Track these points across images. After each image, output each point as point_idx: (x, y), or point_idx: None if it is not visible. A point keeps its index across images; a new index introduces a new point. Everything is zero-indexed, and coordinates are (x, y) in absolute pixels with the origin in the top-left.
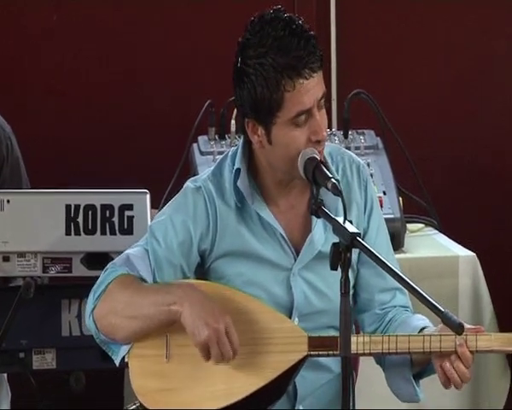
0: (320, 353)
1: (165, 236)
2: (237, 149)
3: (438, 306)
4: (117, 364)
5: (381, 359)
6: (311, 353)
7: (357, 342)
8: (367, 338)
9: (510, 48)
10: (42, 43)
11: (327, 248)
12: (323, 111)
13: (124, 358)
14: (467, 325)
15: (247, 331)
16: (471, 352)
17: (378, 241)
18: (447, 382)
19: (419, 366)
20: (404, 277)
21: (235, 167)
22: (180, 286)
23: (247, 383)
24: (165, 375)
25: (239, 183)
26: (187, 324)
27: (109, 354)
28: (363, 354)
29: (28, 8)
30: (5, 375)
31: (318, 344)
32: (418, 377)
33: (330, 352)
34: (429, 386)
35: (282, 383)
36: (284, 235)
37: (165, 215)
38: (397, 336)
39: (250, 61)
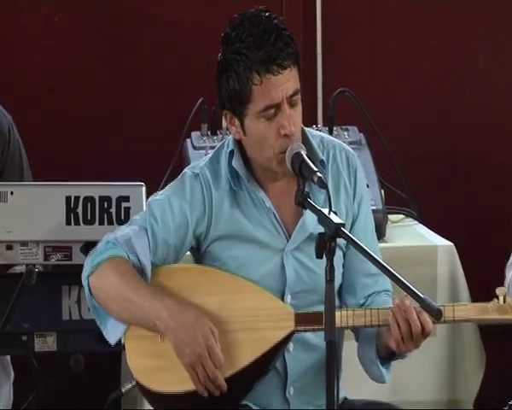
0: (306, 328)
1: (162, 216)
2: (230, 137)
3: (417, 292)
4: (111, 343)
5: (354, 334)
6: (298, 328)
7: (341, 316)
8: (350, 312)
9: (489, 48)
10: (43, 43)
11: (317, 230)
12: (298, 108)
13: (120, 340)
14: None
15: (238, 310)
16: (450, 321)
17: (366, 227)
18: (400, 340)
19: (387, 349)
20: (385, 264)
21: (228, 149)
22: (166, 305)
23: (236, 359)
24: (160, 354)
25: (234, 163)
26: (171, 345)
27: (98, 322)
28: (347, 328)
29: (29, 8)
30: (8, 357)
31: (304, 320)
32: (388, 359)
33: (315, 327)
34: (410, 375)
35: (271, 358)
36: (277, 215)
37: (163, 196)
38: (378, 309)
39: (228, 55)
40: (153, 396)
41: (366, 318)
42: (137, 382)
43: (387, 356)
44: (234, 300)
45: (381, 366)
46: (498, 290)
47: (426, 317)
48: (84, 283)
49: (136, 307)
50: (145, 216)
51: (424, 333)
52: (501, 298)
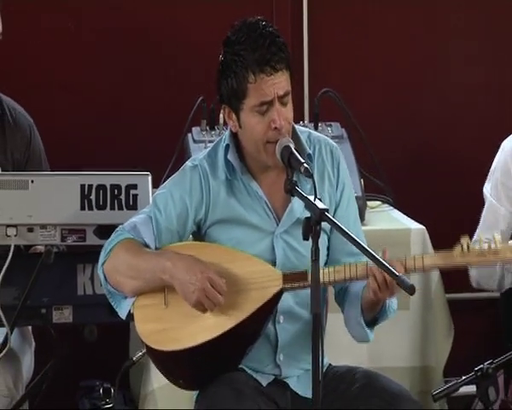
0: (293, 285)
1: (165, 207)
2: (227, 132)
3: (392, 270)
4: (123, 317)
5: (340, 304)
6: (286, 286)
7: (323, 273)
8: (331, 269)
9: (460, 52)
10: (59, 47)
11: (304, 216)
12: (288, 107)
13: (130, 313)
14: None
15: (235, 275)
16: (420, 269)
17: (348, 212)
18: (377, 289)
19: (371, 311)
20: (364, 245)
21: (224, 144)
22: (169, 258)
23: (233, 316)
24: (164, 318)
25: (229, 156)
26: (178, 291)
27: (113, 304)
28: (330, 283)
29: (45, 15)
30: (30, 327)
31: (290, 279)
32: (372, 323)
33: (301, 284)
34: (386, 344)
35: (264, 315)
36: (268, 203)
37: (166, 189)
38: (356, 264)
39: (228, 56)
40: (158, 357)
41: (346, 272)
42: (145, 344)
43: (371, 321)
44: (230, 267)
45: (365, 327)
46: (462, 239)
47: (397, 264)
48: (99, 271)
49: (144, 271)
50: (150, 208)
51: (414, 291)
52: (465, 246)
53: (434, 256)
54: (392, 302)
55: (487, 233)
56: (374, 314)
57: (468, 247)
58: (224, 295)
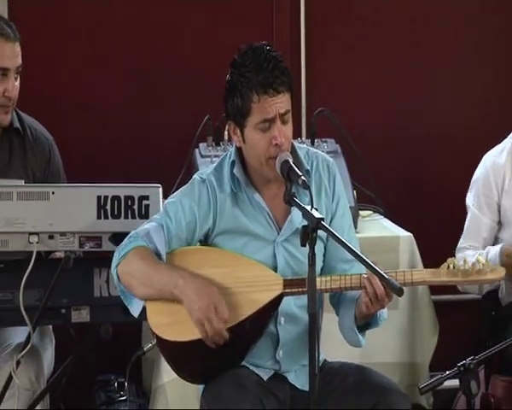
0: (292, 290)
1: (176, 215)
2: (233, 149)
3: (383, 274)
4: (135, 315)
5: (337, 308)
6: (286, 291)
7: (320, 281)
8: (328, 278)
9: (447, 77)
10: (79, 69)
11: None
12: (288, 125)
13: (141, 312)
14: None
15: (239, 278)
16: (409, 284)
17: (343, 222)
18: (368, 303)
19: (363, 319)
20: (357, 251)
21: (231, 160)
22: (183, 276)
23: (237, 314)
24: (173, 312)
25: (235, 171)
26: (186, 307)
27: (125, 303)
28: (326, 291)
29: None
30: (50, 326)
31: (290, 284)
32: (364, 328)
33: (299, 290)
34: (377, 341)
35: (265, 316)
36: (270, 214)
37: (176, 198)
38: (351, 275)
39: (234, 77)
40: (167, 348)
41: (341, 282)
42: (155, 335)
43: (363, 326)
44: (235, 271)
45: (358, 333)
46: (449, 260)
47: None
48: (113, 272)
49: (157, 282)
50: (162, 215)
51: (387, 294)
52: (451, 265)
53: (423, 272)
54: (383, 312)
55: (471, 241)
56: (366, 321)
57: (453, 266)
58: (225, 323)
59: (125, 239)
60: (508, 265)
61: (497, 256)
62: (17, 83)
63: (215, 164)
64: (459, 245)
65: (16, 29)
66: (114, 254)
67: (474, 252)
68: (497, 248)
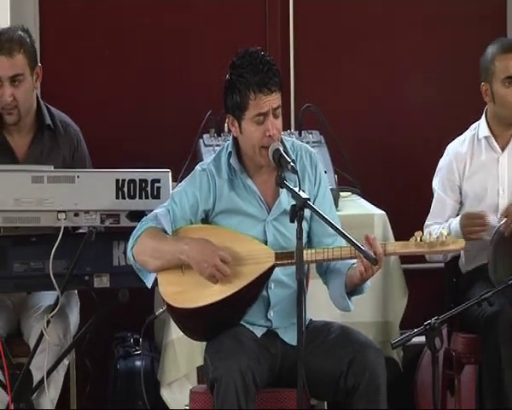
0: (283, 262)
1: (180, 201)
2: (230, 141)
3: (360, 246)
4: (149, 287)
5: (325, 277)
6: (277, 263)
7: (306, 254)
8: (313, 251)
9: (416, 75)
10: (97, 70)
11: (289, 207)
12: (279, 119)
13: (155, 281)
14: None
15: (234, 251)
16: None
17: (324, 202)
18: (363, 271)
19: (351, 287)
20: (337, 226)
21: (228, 151)
22: (186, 243)
23: (235, 283)
24: (182, 283)
25: (232, 161)
26: (195, 268)
27: (141, 277)
28: (311, 262)
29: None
30: (76, 291)
31: (281, 257)
32: (351, 294)
33: (289, 261)
34: (355, 304)
35: (258, 287)
36: (261, 197)
37: (181, 187)
38: (333, 248)
39: (233, 77)
40: (176, 313)
41: (323, 254)
42: (166, 302)
43: (351, 292)
44: (233, 245)
45: (347, 299)
46: (416, 233)
47: (378, 248)
48: (129, 254)
49: (166, 252)
50: (169, 202)
51: (377, 262)
52: (418, 238)
53: (395, 244)
54: (368, 282)
55: (437, 218)
56: (354, 289)
57: (420, 238)
58: (229, 266)
59: (138, 225)
60: (464, 225)
61: (457, 223)
62: (19, 90)
63: (214, 155)
64: (427, 222)
65: (21, 41)
66: (129, 239)
67: (438, 227)
68: (458, 218)
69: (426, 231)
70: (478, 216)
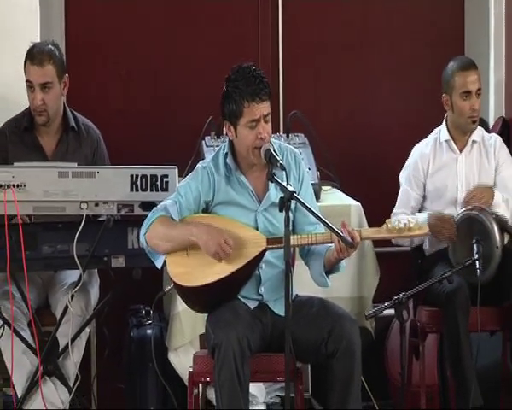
0: (273, 246)
1: (185, 194)
2: (226, 143)
3: (338, 231)
4: (158, 267)
5: (306, 259)
6: (268, 247)
7: (293, 239)
8: (299, 236)
9: (389, 84)
10: (111, 84)
11: (277, 200)
12: (269, 124)
13: (164, 262)
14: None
15: (233, 237)
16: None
17: (306, 195)
18: (339, 252)
19: (329, 266)
20: (319, 215)
21: (224, 152)
22: (195, 225)
23: (232, 265)
24: (186, 264)
25: (228, 160)
26: (202, 247)
27: (152, 259)
28: (297, 245)
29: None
30: (96, 270)
31: (271, 242)
32: (329, 273)
33: (278, 245)
34: (334, 281)
35: (252, 267)
36: (253, 191)
37: (185, 182)
38: (316, 234)
39: (230, 88)
40: (182, 290)
41: (308, 239)
42: (173, 282)
43: (329, 271)
44: (231, 231)
45: (325, 277)
46: (387, 220)
47: (355, 235)
48: (142, 239)
49: (176, 236)
50: (175, 195)
51: (353, 246)
52: (389, 225)
53: (369, 230)
54: (343, 262)
55: (402, 209)
56: (331, 268)
57: (391, 225)
58: (231, 247)
59: (149, 214)
60: (432, 225)
61: (424, 221)
62: (48, 95)
63: (213, 155)
64: (394, 211)
65: (51, 53)
66: (142, 227)
67: (405, 216)
68: (425, 214)
69: (394, 218)
70: (447, 221)
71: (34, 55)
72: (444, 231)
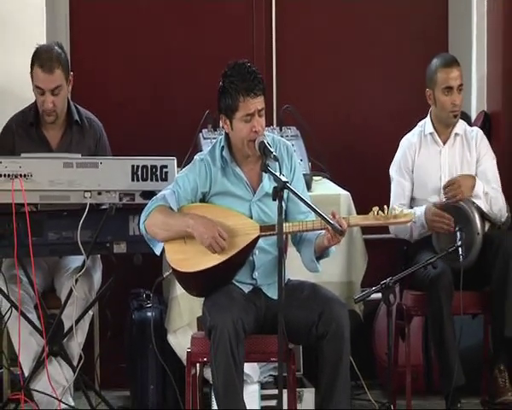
0: (266, 233)
1: (183, 184)
2: (223, 136)
3: (328, 219)
4: (157, 254)
5: (298, 246)
6: (261, 234)
7: (285, 226)
8: (291, 224)
9: (378, 82)
10: (116, 76)
11: (270, 190)
12: (263, 118)
13: (163, 249)
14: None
15: (226, 224)
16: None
17: (298, 185)
18: (330, 239)
19: (319, 252)
20: (310, 204)
21: (221, 145)
22: (191, 217)
23: (227, 251)
24: (184, 251)
25: (224, 153)
26: (197, 238)
27: (151, 246)
28: (290, 233)
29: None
30: (99, 255)
31: (264, 229)
32: (319, 258)
33: (271, 232)
34: (324, 266)
35: (246, 253)
36: (247, 182)
37: (183, 173)
38: (306, 222)
39: (226, 84)
40: (180, 275)
41: (299, 226)
42: (172, 267)
43: (319, 256)
44: (225, 220)
45: (316, 262)
46: (374, 208)
47: (343, 223)
48: (141, 226)
49: (174, 225)
50: (173, 185)
51: (342, 233)
52: (376, 212)
53: (357, 217)
54: (333, 248)
55: (399, 200)
56: (321, 254)
57: (377, 213)
58: (226, 240)
59: (149, 202)
60: (432, 221)
61: (422, 215)
62: (58, 97)
63: (209, 147)
64: (391, 206)
65: (59, 57)
66: (141, 215)
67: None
68: (422, 208)
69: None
70: (446, 217)
71: (43, 62)
72: (443, 224)
